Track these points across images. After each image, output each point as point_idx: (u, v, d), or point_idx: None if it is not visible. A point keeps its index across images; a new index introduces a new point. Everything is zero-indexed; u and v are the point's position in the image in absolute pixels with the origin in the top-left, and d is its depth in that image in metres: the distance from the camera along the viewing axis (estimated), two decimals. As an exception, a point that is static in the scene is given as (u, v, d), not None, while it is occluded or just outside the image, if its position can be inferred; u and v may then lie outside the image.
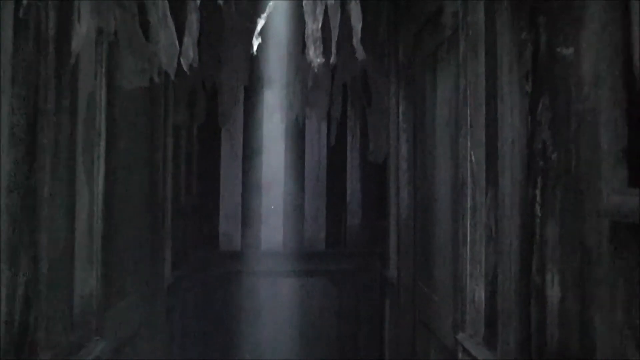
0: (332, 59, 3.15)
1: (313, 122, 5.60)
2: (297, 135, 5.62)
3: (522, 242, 2.09)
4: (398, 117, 4.44)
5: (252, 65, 5.15)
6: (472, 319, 2.62)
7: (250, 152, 5.65)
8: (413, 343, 4.30)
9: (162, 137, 4.26)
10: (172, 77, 3.35)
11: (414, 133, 4.30)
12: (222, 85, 5.13)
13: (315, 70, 3.29)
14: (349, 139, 5.63)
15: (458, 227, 2.95)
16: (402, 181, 4.39)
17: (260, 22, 3.52)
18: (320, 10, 3.10)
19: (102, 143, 2.90)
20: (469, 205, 2.73)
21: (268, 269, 5.45)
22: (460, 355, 2.62)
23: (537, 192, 1.98)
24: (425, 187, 4.04)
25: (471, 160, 2.69)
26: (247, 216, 5.60)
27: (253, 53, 3.68)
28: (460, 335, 2.68)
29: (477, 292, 2.58)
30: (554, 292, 1.85)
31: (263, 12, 3.63)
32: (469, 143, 2.72)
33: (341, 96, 5.25)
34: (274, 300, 5.48)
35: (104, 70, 2.87)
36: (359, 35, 3.21)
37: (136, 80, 3.35)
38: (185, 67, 3.18)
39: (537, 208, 1.98)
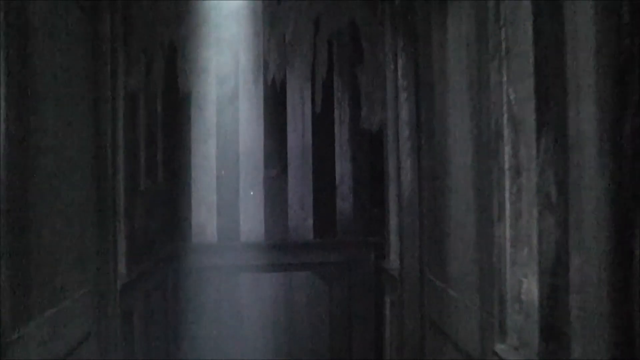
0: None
1: (294, 86, 4.95)
2: (277, 103, 5.00)
3: (616, 208, 1.31)
4: (396, 74, 3.73)
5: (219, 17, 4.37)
6: (518, 324, 1.85)
7: (224, 128, 5.06)
8: (421, 347, 3.55)
9: (109, 105, 3.47)
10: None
11: (417, 92, 3.54)
12: (183, 42, 4.35)
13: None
14: (336, 105, 5.03)
15: (487, 198, 2.18)
16: (403, 151, 3.65)
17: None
18: None
19: (2, 104, 2.12)
20: (506, 166, 1.96)
21: (248, 263, 5.01)
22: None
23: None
24: (434, 155, 3.27)
25: (509, 101, 1.92)
26: (223, 203, 5.09)
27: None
28: (500, 348, 1.90)
29: (526, 286, 1.81)
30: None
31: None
32: (504, 77, 1.95)
33: (327, 52, 4.48)
34: (255, 299, 5.06)
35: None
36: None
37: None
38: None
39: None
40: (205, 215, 5.07)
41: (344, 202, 5.13)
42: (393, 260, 3.80)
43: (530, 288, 1.81)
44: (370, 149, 4.94)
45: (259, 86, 4.98)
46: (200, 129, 5.08)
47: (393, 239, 3.82)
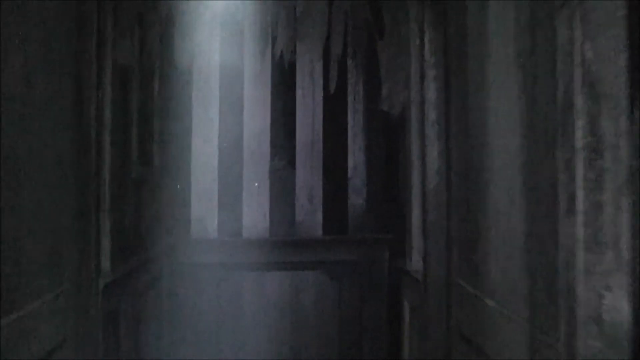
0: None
1: (305, 65, 4.54)
2: (285, 85, 4.62)
3: None
4: (422, 49, 3.25)
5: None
6: (596, 352, 1.39)
7: (227, 112, 4.69)
8: (446, 362, 3.08)
9: (93, 79, 3.03)
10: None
11: (446, 67, 3.08)
12: (181, 14, 3.93)
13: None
14: (350, 89, 4.63)
15: (545, 187, 1.72)
16: (429, 136, 3.19)
17: None
18: None
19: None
20: (579, 145, 1.50)
21: (251, 261, 4.67)
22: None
23: None
24: (467, 139, 2.81)
25: (584, 61, 1.46)
26: (225, 195, 4.76)
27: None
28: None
29: (610, 302, 1.35)
30: None
31: None
32: (577, 31, 1.49)
33: (343, 24, 4.06)
34: (258, 300, 4.71)
35: None
36: None
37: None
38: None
39: None
40: (205, 208, 4.75)
41: (357, 196, 4.80)
42: (415, 260, 3.34)
43: (617, 305, 1.35)
44: (387, 136, 4.56)
45: (266, 65, 4.59)
46: (201, 112, 4.72)
47: (416, 236, 3.36)
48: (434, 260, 3.15)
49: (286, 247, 4.73)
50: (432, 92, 3.17)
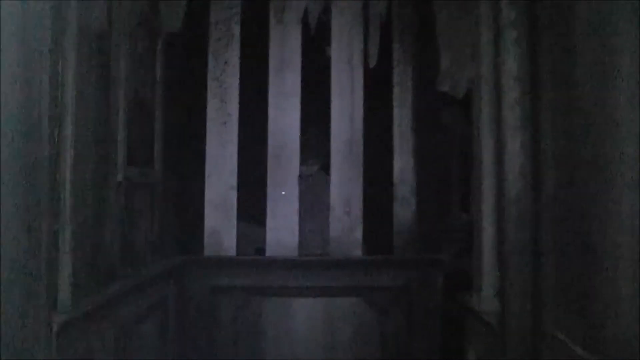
0: None
1: (341, 33, 4.29)
2: (318, 66, 4.35)
3: None
4: (497, 3, 2.47)
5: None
6: None
7: (249, 103, 4.40)
8: None
9: (48, 44, 2.25)
10: None
11: (532, 29, 2.29)
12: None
13: None
14: (397, 62, 4.35)
15: None
16: (508, 123, 2.41)
17: None
18: None
19: None
20: None
21: (275, 285, 4.37)
22: None
23: None
24: (570, 126, 1.96)
25: None
26: (245, 205, 4.44)
27: None
28: None
29: None
30: None
31: None
32: None
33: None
34: (283, 331, 4.37)
35: None
36: None
37: None
38: None
39: None
40: (221, 219, 4.40)
41: (404, 208, 4.46)
42: (486, 297, 2.51)
43: None
44: (445, 128, 4.29)
45: (295, 41, 4.32)
46: (216, 102, 4.41)
47: (487, 263, 2.53)
48: (516, 299, 2.30)
49: (318, 268, 4.42)
50: (511, 62, 2.40)
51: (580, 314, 1.92)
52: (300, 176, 4.47)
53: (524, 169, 2.37)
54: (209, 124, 4.40)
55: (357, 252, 4.43)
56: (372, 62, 4.21)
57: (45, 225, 2.29)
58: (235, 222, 4.40)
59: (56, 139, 2.32)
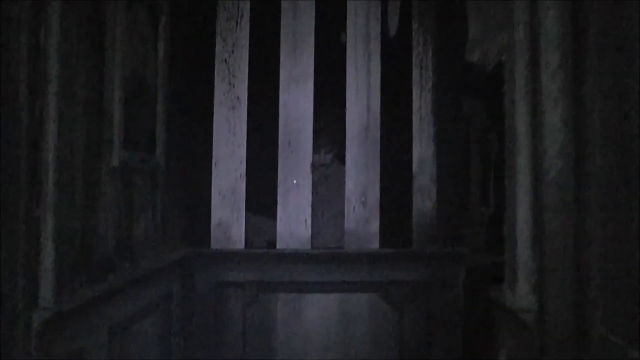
0: None
1: (357, 7, 4.17)
2: (332, 43, 4.22)
3: None
4: None
5: None
6: None
7: (258, 87, 4.29)
8: None
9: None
10: None
11: None
12: None
13: None
14: (415, 48, 4.18)
15: None
16: (547, 93, 2.15)
17: None
18: None
19: None
20: None
21: (287, 279, 4.33)
22: None
23: None
24: (617, 95, 1.70)
25: None
26: (255, 196, 4.35)
27: None
28: None
29: None
30: None
31: None
32: None
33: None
34: (295, 328, 4.31)
35: None
36: None
37: None
38: None
39: None
40: (228, 210, 4.31)
41: (424, 198, 4.34)
42: (523, 294, 2.26)
43: None
44: (470, 110, 4.10)
45: (308, 18, 4.19)
46: (224, 85, 4.30)
47: (523, 254, 2.29)
48: (557, 294, 2.06)
49: (332, 262, 4.33)
50: (550, 23, 2.13)
51: (635, 312, 1.67)
52: (313, 164, 4.38)
53: (564, 146, 2.13)
54: (216, 109, 4.28)
55: (374, 245, 4.34)
56: (391, 43, 4.06)
57: (23, 210, 2.09)
58: (243, 213, 4.32)
59: (36, 113, 2.12)
